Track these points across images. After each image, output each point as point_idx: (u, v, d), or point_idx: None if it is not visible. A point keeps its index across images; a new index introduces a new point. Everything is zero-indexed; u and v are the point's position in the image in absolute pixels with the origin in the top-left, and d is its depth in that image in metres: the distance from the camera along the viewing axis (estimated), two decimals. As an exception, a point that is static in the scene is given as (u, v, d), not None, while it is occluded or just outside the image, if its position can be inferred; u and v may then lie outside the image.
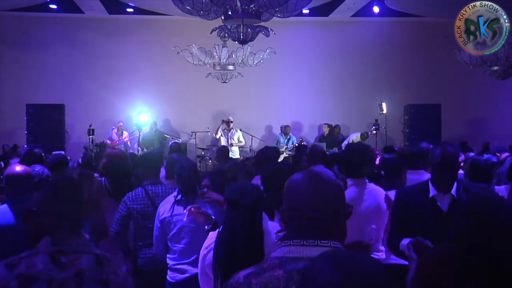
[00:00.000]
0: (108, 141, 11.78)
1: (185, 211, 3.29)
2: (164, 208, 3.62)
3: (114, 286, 1.83)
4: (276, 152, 5.47)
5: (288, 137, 12.90)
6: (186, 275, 3.55)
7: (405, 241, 2.84)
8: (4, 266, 1.75)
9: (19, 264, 1.76)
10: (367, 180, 3.53)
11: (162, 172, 4.74)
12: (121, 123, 12.49)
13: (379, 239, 3.47)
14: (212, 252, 2.54)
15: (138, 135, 11.89)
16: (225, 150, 7.80)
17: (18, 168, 3.53)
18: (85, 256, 1.82)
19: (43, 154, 6.56)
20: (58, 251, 1.80)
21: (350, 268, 1.09)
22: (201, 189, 3.69)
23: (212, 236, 2.68)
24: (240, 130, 12.66)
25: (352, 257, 1.13)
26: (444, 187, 2.96)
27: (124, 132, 12.49)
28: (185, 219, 3.32)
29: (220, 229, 2.56)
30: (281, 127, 13.27)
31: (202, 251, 2.71)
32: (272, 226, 2.58)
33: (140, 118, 12.15)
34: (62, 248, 1.81)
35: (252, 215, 2.49)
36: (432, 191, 2.99)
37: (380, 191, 3.54)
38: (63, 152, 8.15)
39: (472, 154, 5.20)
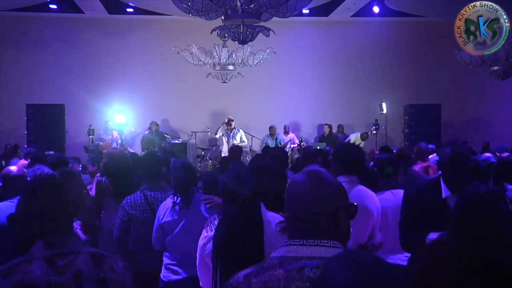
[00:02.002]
0: (101, 143, 11.72)
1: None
2: (164, 212, 3.60)
3: (112, 283, 1.81)
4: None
5: (275, 137, 12.94)
6: (179, 276, 3.55)
7: (434, 235, 2.67)
8: (0, 275, 1.71)
9: (14, 272, 1.72)
10: (356, 179, 3.50)
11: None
12: (109, 123, 12.42)
13: (357, 242, 3.29)
14: (211, 242, 2.54)
15: (120, 136, 11.81)
16: (238, 150, 7.57)
17: (13, 168, 3.59)
18: (81, 256, 1.79)
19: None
20: (53, 255, 1.77)
21: (363, 270, 1.09)
22: (197, 191, 3.68)
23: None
24: (241, 130, 12.67)
25: (365, 258, 1.13)
26: (455, 187, 2.84)
27: (113, 132, 12.41)
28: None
29: (218, 221, 2.56)
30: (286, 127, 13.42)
31: (201, 241, 2.71)
32: (271, 216, 2.55)
33: (117, 118, 12.02)
34: (57, 251, 1.78)
35: (251, 206, 2.47)
36: (445, 192, 2.89)
37: (369, 193, 3.44)
38: (52, 152, 8.15)
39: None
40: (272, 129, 13.11)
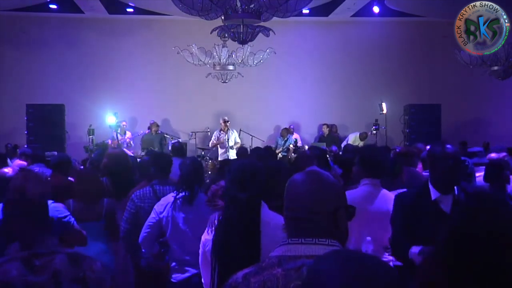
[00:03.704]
0: (110, 141, 11.75)
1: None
2: (164, 206, 3.60)
3: (91, 282, 1.81)
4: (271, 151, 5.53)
5: (286, 138, 12.96)
6: (187, 274, 3.56)
7: (416, 249, 2.76)
8: None
9: None
10: (379, 182, 3.48)
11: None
12: (124, 123, 12.46)
13: (380, 246, 3.33)
14: (211, 239, 2.55)
15: (116, 136, 11.78)
16: (244, 150, 7.80)
17: (8, 170, 3.62)
18: (57, 256, 1.79)
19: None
20: (30, 255, 1.77)
21: (354, 268, 1.09)
22: (201, 191, 3.68)
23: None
24: (240, 130, 12.65)
25: (357, 257, 1.13)
26: (445, 188, 2.89)
27: (127, 132, 12.48)
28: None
29: (219, 220, 2.57)
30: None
31: (203, 237, 2.73)
32: (272, 216, 2.54)
33: (109, 119, 11.96)
34: (34, 251, 1.78)
35: (249, 208, 2.47)
36: (434, 194, 2.91)
37: (391, 197, 3.41)
38: (55, 152, 8.15)
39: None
40: (283, 130, 13.16)
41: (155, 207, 3.62)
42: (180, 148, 7.68)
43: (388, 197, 3.43)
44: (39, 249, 1.80)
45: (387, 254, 3.37)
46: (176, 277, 3.61)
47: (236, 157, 11.18)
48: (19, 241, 1.82)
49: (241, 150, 7.84)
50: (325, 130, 13.39)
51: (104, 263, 1.92)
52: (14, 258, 1.76)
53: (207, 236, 2.69)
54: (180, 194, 3.57)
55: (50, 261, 1.77)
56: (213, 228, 2.66)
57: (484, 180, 4.84)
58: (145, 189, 3.97)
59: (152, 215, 3.60)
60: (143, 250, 3.71)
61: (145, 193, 3.94)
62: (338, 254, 1.16)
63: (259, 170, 2.66)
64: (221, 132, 12.19)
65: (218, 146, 12.24)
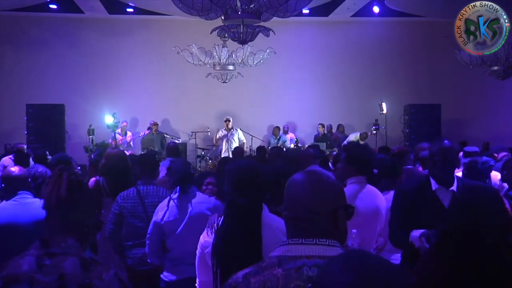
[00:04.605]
0: (111, 141, 11.72)
1: None
2: (163, 213, 3.59)
3: None
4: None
5: (278, 137, 12.98)
6: (180, 276, 3.56)
7: (417, 233, 2.83)
8: None
9: (8, 265, 1.74)
10: (365, 179, 3.49)
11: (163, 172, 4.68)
12: (124, 123, 12.44)
13: (369, 244, 3.32)
14: (211, 241, 2.54)
15: (115, 136, 11.74)
16: (240, 150, 7.85)
17: (14, 169, 3.62)
18: (70, 259, 1.76)
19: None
20: (45, 254, 1.76)
21: (364, 270, 1.09)
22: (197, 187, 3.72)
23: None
24: (240, 130, 12.66)
25: (366, 258, 1.14)
26: (444, 180, 3.00)
27: (127, 132, 12.47)
28: None
29: (219, 223, 2.55)
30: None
31: (202, 238, 2.69)
32: (271, 218, 2.52)
33: (106, 119, 11.96)
34: (49, 250, 1.77)
35: (249, 214, 2.46)
36: (434, 185, 3.03)
37: (378, 194, 3.48)
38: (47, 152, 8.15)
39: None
40: (275, 129, 13.28)
41: (154, 219, 3.62)
42: (175, 148, 7.65)
43: (374, 192, 3.46)
44: (53, 249, 1.79)
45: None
46: (168, 276, 3.61)
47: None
48: (40, 238, 1.82)
49: (236, 150, 7.84)
50: (321, 130, 13.39)
51: (118, 271, 1.88)
52: (30, 254, 1.76)
53: (206, 238, 2.65)
54: (174, 195, 3.59)
55: (61, 263, 1.75)
56: (213, 230, 2.63)
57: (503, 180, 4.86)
58: (129, 190, 4.01)
59: (151, 226, 3.62)
60: (148, 260, 3.72)
61: (129, 193, 3.99)
62: (344, 256, 1.17)
63: (258, 172, 2.61)
64: (224, 131, 12.21)
65: (223, 145, 12.24)
